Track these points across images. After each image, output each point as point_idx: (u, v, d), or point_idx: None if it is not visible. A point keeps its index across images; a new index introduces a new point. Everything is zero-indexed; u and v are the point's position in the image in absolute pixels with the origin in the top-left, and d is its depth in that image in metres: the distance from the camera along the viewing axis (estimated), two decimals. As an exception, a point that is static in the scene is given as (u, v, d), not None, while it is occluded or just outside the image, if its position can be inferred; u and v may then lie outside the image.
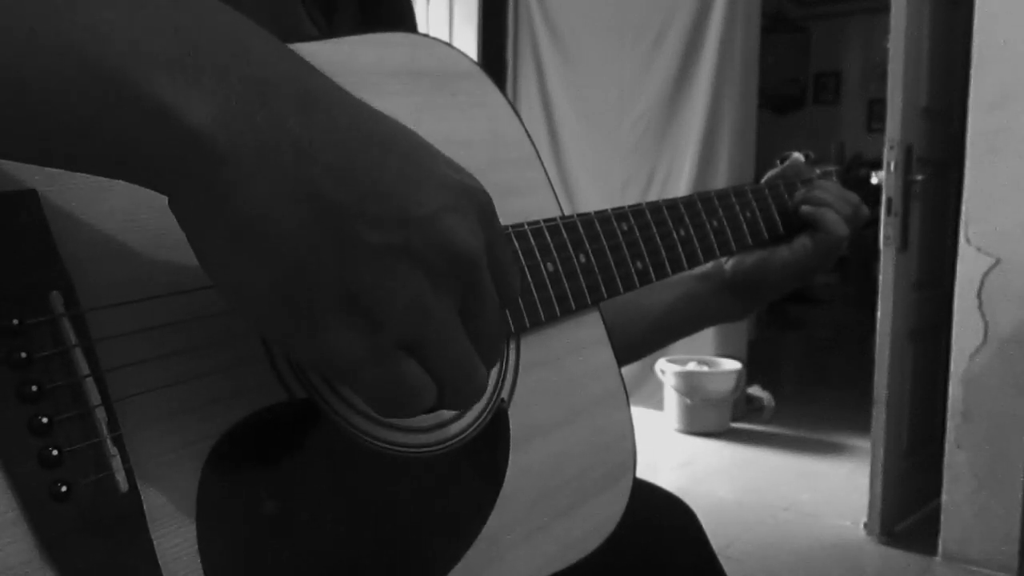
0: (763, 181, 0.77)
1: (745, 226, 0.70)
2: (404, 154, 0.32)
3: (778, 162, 0.83)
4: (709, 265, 0.77)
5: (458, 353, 0.34)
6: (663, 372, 3.24)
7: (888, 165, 2.16)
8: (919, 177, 2.17)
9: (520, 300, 0.50)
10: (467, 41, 3.58)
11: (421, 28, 0.61)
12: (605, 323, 0.57)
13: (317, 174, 0.30)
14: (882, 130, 2.24)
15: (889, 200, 2.16)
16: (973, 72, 2.02)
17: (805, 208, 0.75)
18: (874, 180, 2.23)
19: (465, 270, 0.33)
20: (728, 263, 0.76)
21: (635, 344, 0.76)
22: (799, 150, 0.82)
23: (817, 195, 0.75)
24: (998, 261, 1.99)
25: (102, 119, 0.28)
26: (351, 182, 0.30)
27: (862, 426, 2.57)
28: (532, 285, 0.51)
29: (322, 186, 0.30)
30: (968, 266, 2.03)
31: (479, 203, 0.34)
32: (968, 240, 2.03)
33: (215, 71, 0.29)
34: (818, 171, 0.80)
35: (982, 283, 2.01)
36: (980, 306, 2.02)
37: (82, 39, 0.27)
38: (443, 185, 0.32)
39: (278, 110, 0.29)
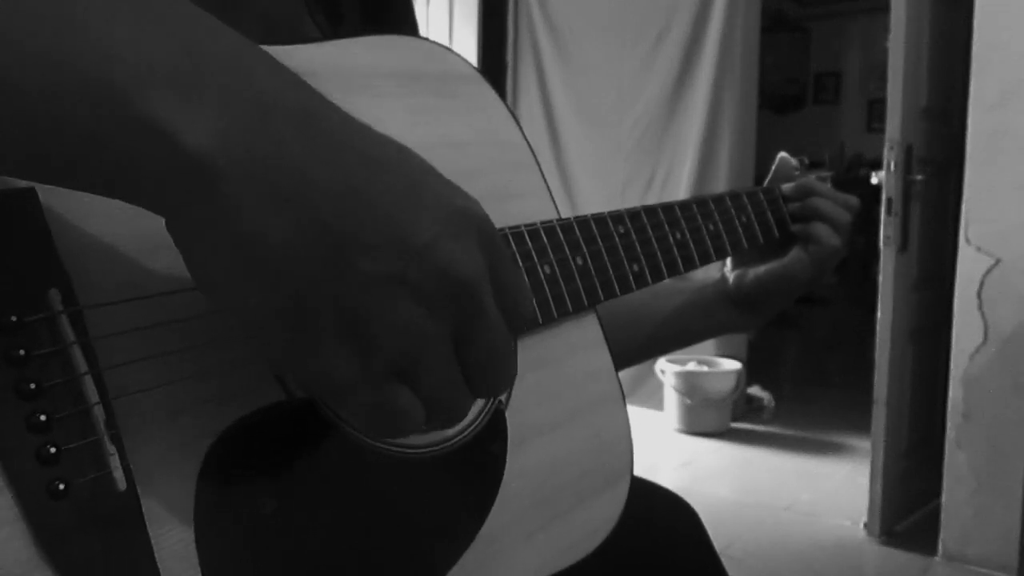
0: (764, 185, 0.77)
1: (740, 230, 0.70)
2: (401, 177, 0.32)
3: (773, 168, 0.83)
4: (713, 277, 0.77)
5: (447, 380, 0.34)
6: (663, 372, 3.24)
7: (888, 165, 2.16)
8: (919, 177, 2.17)
9: None
10: (467, 41, 3.58)
11: (421, 29, 0.61)
12: (602, 326, 0.57)
13: (316, 200, 0.30)
14: (882, 130, 2.24)
15: (889, 200, 2.16)
16: (973, 72, 2.02)
17: (796, 227, 0.75)
18: (874, 180, 2.24)
19: (462, 297, 0.32)
20: (731, 276, 0.76)
21: (634, 351, 0.76)
22: (796, 155, 0.82)
23: (811, 205, 0.75)
24: (998, 261, 1.99)
25: (101, 138, 0.28)
26: (349, 208, 0.30)
27: (862, 426, 2.57)
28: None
29: (320, 212, 0.30)
30: (968, 266, 2.03)
31: (478, 226, 0.33)
32: (968, 240, 2.03)
33: (216, 93, 0.29)
34: (814, 176, 0.80)
35: (982, 283, 2.01)
36: (980, 306, 2.01)
37: (84, 57, 0.27)
38: (440, 208, 0.32)
39: (278, 134, 0.29)
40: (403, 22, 0.67)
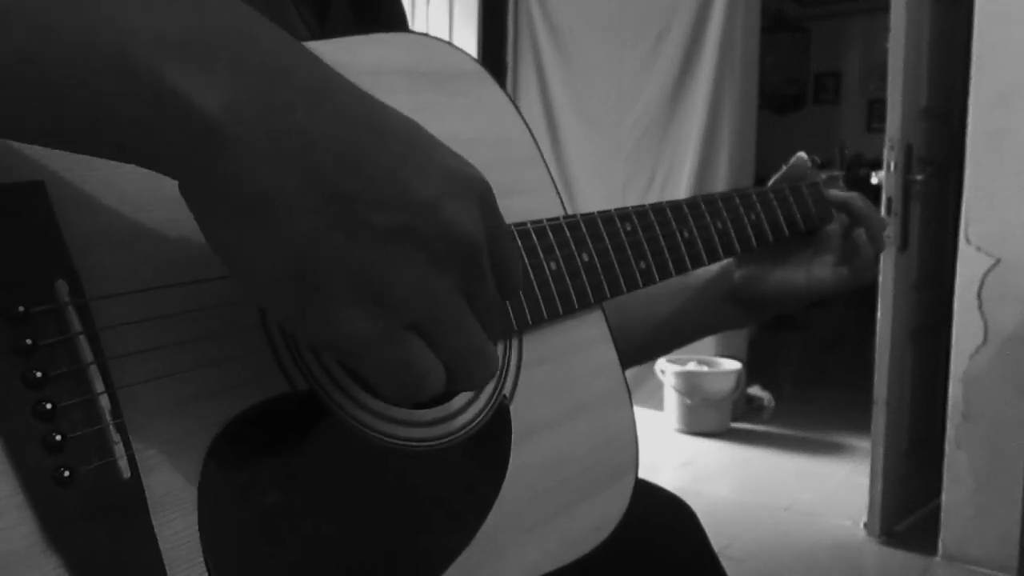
0: (769, 184, 0.77)
1: (749, 228, 0.70)
2: (406, 142, 0.33)
3: (784, 166, 0.82)
4: (712, 272, 0.77)
5: (467, 331, 0.34)
6: (663, 372, 3.24)
7: (888, 165, 2.16)
8: (919, 177, 2.18)
9: (522, 297, 0.50)
10: (467, 41, 3.58)
11: (421, 28, 0.61)
12: (608, 323, 0.57)
13: (323, 161, 0.30)
14: (882, 130, 2.24)
15: (889, 200, 2.16)
16: (973, 72, 2.02)
17: (862, 246, 0.74)
18: (874, 180, 2.24)
19: (466, 255, 0.33)
20: (738, 275, 0.75)
21: (633, 353, 0.75)
22: (807, 154, 0.82)
23: (870, 230, 0.75)
24: (998, 261, 1.99)
25: (116, 105, 0.28)
26: (355, 168, 0.31)
27: (862, 426, 2.57)
28: (534, 283, 0.51)
29: (327, 172, 0.30)
30: (968, 266, 2.03)
31: (479, 192, 0.34)
32: (968, 240, 2.03)
33: (226, 60, 0.30)
34: (824, 176, 0.80)
35: (982, 283, 2.01)
36: (980, 306, 2.02)
37: (98, 26, 0.28)
38: (444, 172, 0.33)
39: (286, 99, 0.30)
40: (392, 19, 0.67)
